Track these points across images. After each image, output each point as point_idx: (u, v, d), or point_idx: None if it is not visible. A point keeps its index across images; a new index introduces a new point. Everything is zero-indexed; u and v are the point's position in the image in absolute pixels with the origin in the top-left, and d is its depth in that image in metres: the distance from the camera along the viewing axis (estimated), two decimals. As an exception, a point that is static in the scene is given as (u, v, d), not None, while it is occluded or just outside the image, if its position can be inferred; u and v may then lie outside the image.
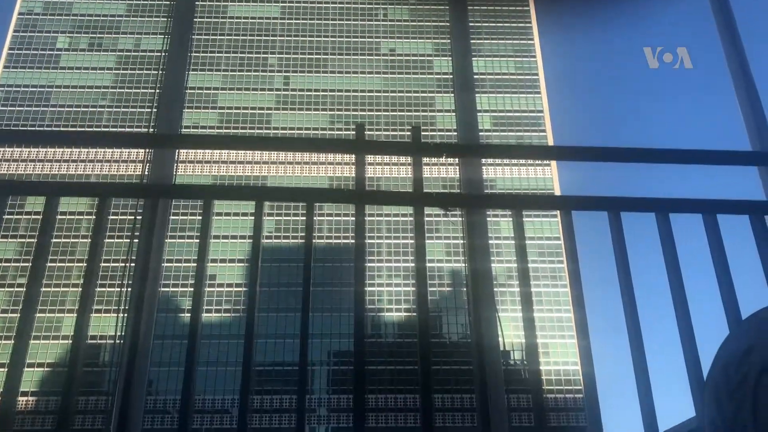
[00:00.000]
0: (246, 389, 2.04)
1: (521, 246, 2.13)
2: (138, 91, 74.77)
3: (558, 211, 2.23)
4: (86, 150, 68.51)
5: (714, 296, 2.04)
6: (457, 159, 3.61)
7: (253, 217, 2.15)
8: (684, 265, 2.13)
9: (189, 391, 1.99)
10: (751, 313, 1.97)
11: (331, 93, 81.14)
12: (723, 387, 1.82)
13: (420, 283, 2.18)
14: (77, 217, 63.73)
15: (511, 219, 2.21)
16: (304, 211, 2.07)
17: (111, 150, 68.32)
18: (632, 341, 2.05)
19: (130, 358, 2.10)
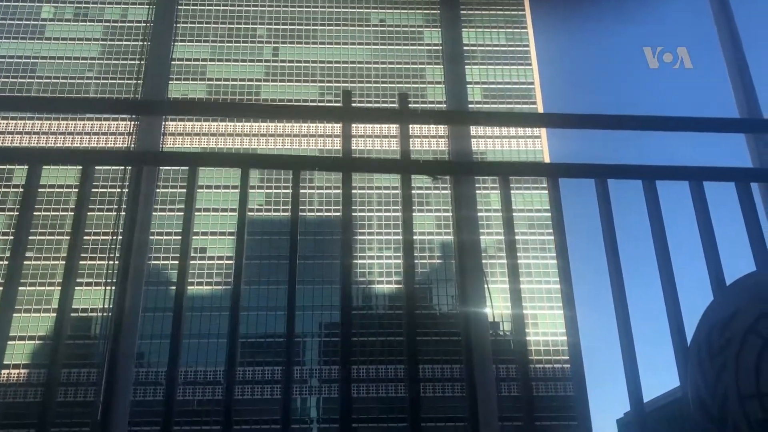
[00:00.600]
0: (233, 360, 2.03)
1: (508, 214, 2.12)
2: (125, 62, 73.80)
3: (546, 179, 2.23)
4: (72, 123, 67.81)
5: (699, 263, 2.05)
6: (446, 131, 3.57)
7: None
8: (670, 232, 2.13)
9: (175, 362, 1.99)
10: (735, 279, 1.98)
11: (320, 64, 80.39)
12: (706, 351, 1.83)
13: (407, 252, 2.18)
14: (66, 189, 63.36)
15: (500, 191, 2.21)
16: (289, 184, 2.05)
17: (97, 122, 67.58)
18: (618, 311, 2.05)
19: (117, 331, 2.09)
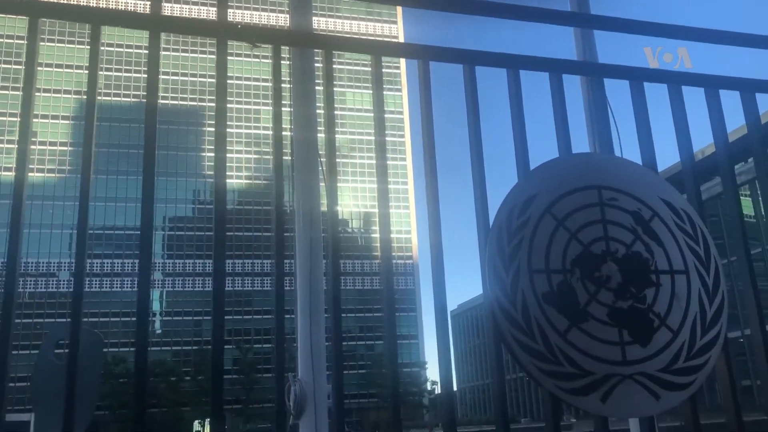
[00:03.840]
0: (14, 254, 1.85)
1: (329, 93, 2.06)
2: None
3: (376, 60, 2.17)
4: None
5: (510, 148, 2.12)
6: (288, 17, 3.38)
7: (85, 71, 1.89)
8: (485, 118, 2.18)
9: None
10: (538, 165, 2.07)
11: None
12: (506, 230, 1.93)
13: (218, 143, 2.06)
14: None
15: (355, 90, 2.12)
16: (140, 68, 1.84)
17: None
18: (430, 214, 2.05)
19: None
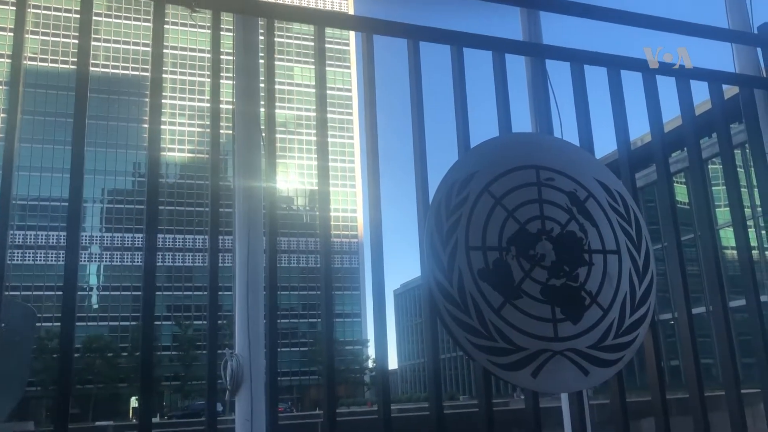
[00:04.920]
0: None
1: (270, 66, 2.01)
2: None
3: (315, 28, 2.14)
4: None
5: (452, 127, 2.12)
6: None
7: (12, 33, 1.78)
8: (428, 96, 2.17)
9: None
10: (478, 143, 2.09)
11: None
12: (444, 206, 1.94)
13: (153, 111, 1.99)
14: None
15: (303, 65, 2.07)
16: (76, 33, 1.73)
17: None
18: (370, 191, 2.04)
19: None
